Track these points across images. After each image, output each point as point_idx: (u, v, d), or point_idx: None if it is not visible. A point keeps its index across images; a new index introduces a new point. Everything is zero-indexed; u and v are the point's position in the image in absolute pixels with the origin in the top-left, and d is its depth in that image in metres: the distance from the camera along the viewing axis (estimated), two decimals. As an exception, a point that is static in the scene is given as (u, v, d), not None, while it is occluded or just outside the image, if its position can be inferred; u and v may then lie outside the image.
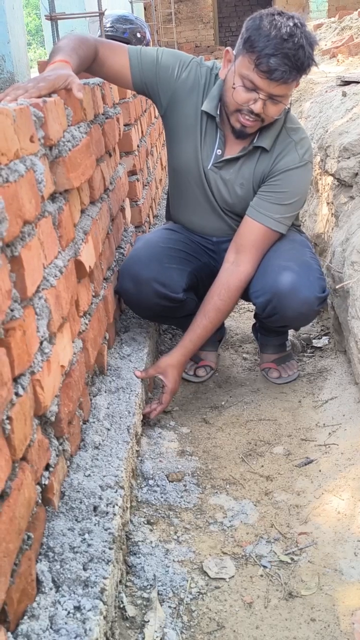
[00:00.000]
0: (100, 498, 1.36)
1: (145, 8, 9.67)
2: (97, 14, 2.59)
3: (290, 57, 1.77)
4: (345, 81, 3.48)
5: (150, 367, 2.03)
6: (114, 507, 1.34)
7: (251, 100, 1.85)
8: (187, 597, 1.37)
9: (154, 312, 2.17)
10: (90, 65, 1.89)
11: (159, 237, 2.20)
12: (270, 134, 2.00)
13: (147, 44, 3.76)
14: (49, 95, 1.47)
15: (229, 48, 1.94)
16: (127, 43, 3.52)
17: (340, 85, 3.53)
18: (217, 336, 2.48)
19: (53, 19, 2.41)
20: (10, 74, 3.10)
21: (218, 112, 2.00)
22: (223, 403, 2.22)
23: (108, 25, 3.55)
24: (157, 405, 2.00)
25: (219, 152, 2.05)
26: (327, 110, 3.15)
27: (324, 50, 6.28)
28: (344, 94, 3.09)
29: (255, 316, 2.36)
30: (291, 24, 1.78)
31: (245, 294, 2.12)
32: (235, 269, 2.05)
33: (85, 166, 1.63)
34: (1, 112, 1.06)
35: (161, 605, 1.33)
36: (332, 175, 2.53)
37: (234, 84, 1.87)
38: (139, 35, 3.68)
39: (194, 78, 2.03)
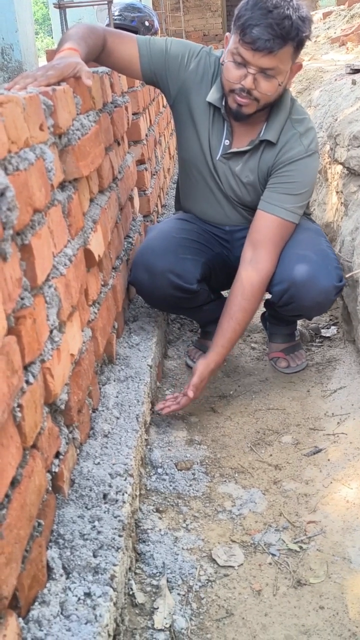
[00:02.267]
0: (109, 486, 1.37)
1: (153, -4, 9.61)
2: (106, 2, 2.57)
3: (273, 26, 1.74)
4: (355, 69, 3.45)
5: (194, 379, 1.95)
6: (123, 495, 1.35)
7: (242, 77, 1.83)
8: (196, 584, 1.38)
9: (167, 303, 2.16)
10: (98, 54, 1.88)
11: (172, 227, 2.19)
12: (276, 126, 1.98)
13: (155, 33, 3.73)
14: (58, 83, 1.47)
15: (228, 34, 1.91)
16: (135, 31, 3.51)
17: (349, 73, 3.50)
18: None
19: (61, 7, 2.39)
20: (19, 62, 3.09)
21: (223, 103, 1.98)
22: (231, 392, 2.22)
23: (116, 13, 3.53)
24: (172, 404, 1.94)
25: (226, 142, 2.04)
26: (336, 98, 3.13)
27: (333, 38, 6.22)
28: (354, 82, 3.07)
29: (266, 305, 2.35)
30: None
31: None
32: (254, 267, 2.00)
33: (94, 155, 1.62)
34: (11, 100, 1.05)
35: (170, 592, 1.34)
36: (341, 164, 2.51)
37: (224, 61, 1.86)
38: (147, 23, 3.66)
39: (203, 68, 2.01)
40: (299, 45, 1.83)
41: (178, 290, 2.05)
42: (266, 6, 1.74)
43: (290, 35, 1.77)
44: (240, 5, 1.82)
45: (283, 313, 2.23)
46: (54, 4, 2.51)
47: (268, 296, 2.18)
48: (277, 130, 1.99)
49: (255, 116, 1.95)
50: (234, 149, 2.03)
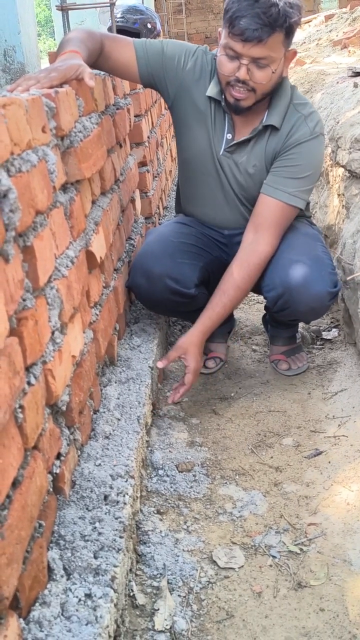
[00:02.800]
0: (110, 487, 1.37)
1: (155, -1, 9.63)
2: (108, 5, 2.58)
3: (260, 15, 1.74)
4: (357, 72, 3.45)
5: (170, 351, 2.01)
6: (124, 496, 1.35)
7: (235, 69, 1.84)
8: (197, 586, 1.38)
9: (165, 307, 2.17)
10: (96, 59, 1.88)
11: (171, 231, 2.19)
12: (278, 111, 1.98)
13: (158, 35, 3.74)
14: (61, 85, 1.47)
15: (220, 29, 1.91)
16: (138, 34, 3.52)
17: (351, 76, 3.50)
18: (227, 327, 2.48)
19: (64, 9, 2.40)
20: (21, 64, 3.09)
21: (223, 97, 1.98)
22: (232, 394, 2.22)
23: (118, 15, 3.54)
24: (180, 387, 1.99)
25: (229, 136, 2.04)
26: (338, 101, 3.13)
27: (335, 41, 6.22)
28: (356, 85, 3.07)
29: (266, 308, 2.36)
30: None
31: (257, 287, 2.11)
32: (254, 247, 2.02)
33: (96, 157, 1.63)
34: (14, 102, 1.06)
35: (171, 594, 1.34)
36: (343, 166, 2.51)
37: (216, 56, 1.88)
38: (149, 25, 3.67)
39: (200, 66, 2.02)
40: (289, 32, 1.83)
41: (176, 295, 2.06)
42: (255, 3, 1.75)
43: (278, 22, 1.77)
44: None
45: (280, 318, 2.23)
46: (56, 6, 2.52)
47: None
48: (280, 115, 1.99)
49: (255, 106, 1.95)
50: (237, 140, 2.03)
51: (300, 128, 1.99)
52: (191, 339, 2.01)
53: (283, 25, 1.79)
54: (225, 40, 1.83)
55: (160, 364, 1.92)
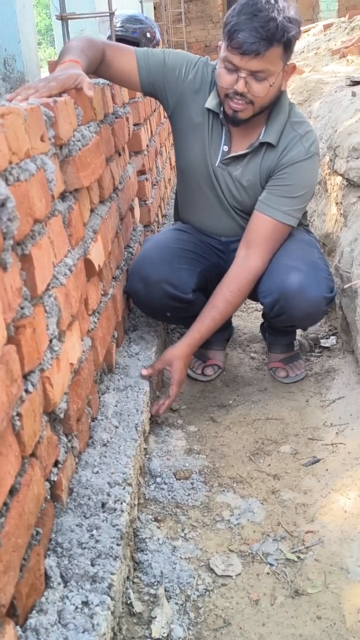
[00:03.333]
0: (108, 495, 1.37)
1: (155, 8, 9.68)
2: (108, 14, 2.59)
3: (258, 29, 1.76)
4: (355, 81, 3.47)
5: (155, 361, 2.02)
6: (121, 504, 1.35)
7: (234, 82, 1.85)
8: (194, 593, 1.38)
9: (163, 313, 2.17)
10: (98, 67, 1.90)
11: (168, 237, 2.21)
12: (275, 129, 2.00)
13: (157, 44, 3.76)
14: (60, 94, 1.48)
15: (220, 42, 1.93)
16: (137, 43, 3.53)
17: (349, 85, 3.52)
18: (225, 335, 2.49)
19: (64, 18, 2.41)
20: (21, 73, 3.10)
21: (221, 109, 2.00)
22: (230, 402, 2.23)
23: (118, 25, 3.56)
24: (164, 400, 1.99)
25: (225, 148, 2.06)
26: (336, 110, 3.15)
27: (333, 50, 6.26)
28: (354, 94, 3.09)
29: (264, 315, 2.37)
30: (264, 1, 1.79)
31: (253, 294, 2.12)
32: (245, 262, 2.04)
33: (95, 165, 1.64)
34: (12, 111, 1.07)
35: (168, 601, 1.34)
36: (341, 175, 2.53)
37: (216, 69, 1.90)
38: (148, 35, 3.69)
39: (201, 77, 2.04)
40: (288, 46, 1.85)
41: (174, 300, 2.06)
42: (251, 11, 1.78)
43: (276, 36, 1.79)
44: (228, 12, 1.86)
45: (277, 324, 2.24)
46: (56, 15, 2.54)
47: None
48: (277, 132, 2.00)
49: (253, 120, 1.97)
50: (232, 154, 2.05)
51: (295, 147, 2.01)
52: (178, 351, 2.02)
53: (281, 40, 1.80)
54: (224, 54, 1.85)
55: (144, 372, 1.92)
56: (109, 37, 2.86)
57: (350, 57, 5.37)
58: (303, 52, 7.14)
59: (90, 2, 4.80)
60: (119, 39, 3.23)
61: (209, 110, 2.03)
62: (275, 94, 1.93)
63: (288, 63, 1.91)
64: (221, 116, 2.01)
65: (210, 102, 2.01)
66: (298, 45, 7.31)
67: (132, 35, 3.58)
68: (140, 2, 6.04)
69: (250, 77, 1.84)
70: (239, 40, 1.77)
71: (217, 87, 1.95)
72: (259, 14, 1.77)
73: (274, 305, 2.05)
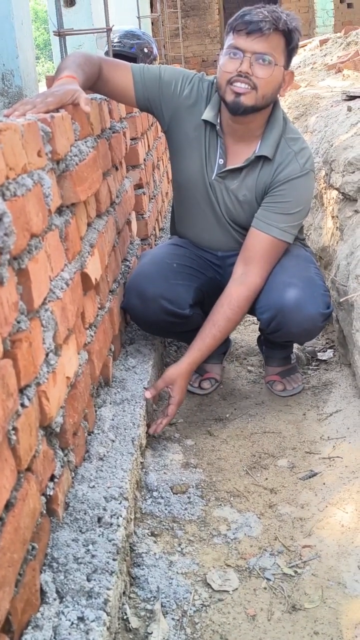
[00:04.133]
0: (104, 509, 1.37)
1: (152, 23, 9.75)
2: (105, 30, 2.62)
3: (264, 12, 1.86)
4: (351, 96, 3.51)
5: (158, 381, 2.02)
6: (118, 518, 1.35)
7: (238, 65, 1.89)
8: (191, 609, 1.37)
9: (160, 328, 2.18)
10: (94, 82, 1.91)
11: (165, 252, 2.21)
12: (270, 143, 2.02)
13: (154, 59, 3.79)
14: (57, 110, 1.50)
15: (219, 52, 2.00)
16: (134, 58, 3.56)
17: (345, 100, 3.56)
18: (222, 348, 2.48)
19: (61, 34, 2.44)
20: (19, 88, 3.13)
21: (218, 121, 2.02)
22: (227, 415, 2.23)
23: (115, 40, 3.59)
24: (162, 419, 1.98)
25: (220, 161, 2.07)
26: (332, 124, 3.17)
27: (329, 65, 6.31)
28: (349, 109, 3.12)
29: (261, 329, 2.37)
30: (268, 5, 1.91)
31: (251, 309, 2.13)
32: (244, 280, 2.04)
33: (92, 180, 1.64)
34: (9, 127, 1.08)
35: (164, 617, 1.33)
36: (336, 189, 2.54)
37: (221, 59, 1.95)
38: (146, 50, 3.72)
39: (196, 92, 2.06)
40: (289, 40, 1.91)
41: (170, 316, 2.07)
42: (256, 5, 1.90)
43: (280, 22, 1.87)
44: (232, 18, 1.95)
45: (273, 339, 2.25)
46: (53, 31, 2.56)
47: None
48: (273, 146, 2.02)
49: (249, 129, 1.99)
50: (228, 167, 2.06)
51: (290, 164, 2.02)
52: (179, 370, 2.01)
53: (284, 28, 1.88)
54: (229, 42, 1.90)
55: (148, 395, 1.91)
56: (107, 53, 2.88)
57: (346, 72, 5.41)
58: (299, 67, 7.19)
59: (88, 17, 4.85)
60: (117, 55, 3.26)
61: (205, 123, 2.04)
62: (275, 90, 1.95)
63: (288, 70, 1.95)
64: (218, 127, 2.02)
65: (207, 114, 2.02)
66: (295, 60, 7.38)
67: (129, 50, 3.62)
68: (138, 17, 6.10)
69: (254, 60, 1.87)
70: (246, 19, 1.86)
71: (218, 79, 1.97)
72: (265, 5, 1.88)
73: (271, 322, 2.06)
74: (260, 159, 2.03)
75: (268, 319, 2.06)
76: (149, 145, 3.13)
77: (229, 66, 1.90)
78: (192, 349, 2.04)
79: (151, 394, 1.93)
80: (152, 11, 10.13)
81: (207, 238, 2.22)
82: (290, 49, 1.93)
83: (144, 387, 1.94)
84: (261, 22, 1.84)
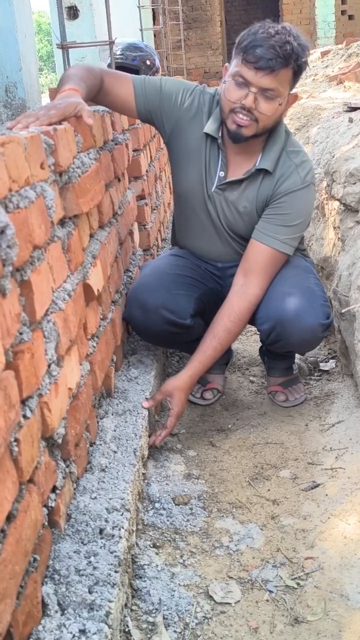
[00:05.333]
0: (106, 521, 1.37)
1: (155, 35, 9.82)
2: (108, 43, 2.63)
3: (275, 48, 1.81)
4: (352, 107, 3.51)
5: (156, 392, 2.01)
6: (120, 530, 1.35)
7: (243, 96, 1.87)
8: (193, 621, 1.36)
9: (161, 338, 2.18)
10: (96, 94, 1.92)
11: (166, 263, 2.22)
12: (271, 156, 2.02)
13: (157, 71, 3.81)
14: (60, 122, 1.50)
15: (227, 64, 1.97)
16: (137, 70, 3.58)
17: (346, 111, 3.56)
18: (225, 359, 2.49)
19: (64, 47, 2.45)
20: (22, 100, 3.14)
21: (220, 134, 2.02)
22: (230, 426, 2.22)
23: (118, 53, 3.61)
24: (162, 431, 1.97)
25: (221, 174, 2.07)
26: (333, 135, 3.18)
27: (331, 77, 6.34)
28: (351, 120, 3.13)
29: (261, 340, 2.37)
30: (280, 26, 1.86)
31: (251, 320, 2.13)
32: (244, 291, 2.04)
33: (94, 192, 1.65)
34: (12, 140, 1.08)
35: (166, 629, 1.33)
36: (338, 200, 2.55)
37: (225, 81, 1.93)
38: (148, 62, 3.74)
39: (197, 105, 2.06)
40: (298, 71, 1.90)
41: (172, 326, 2.07)
42: (268, 32, 1.83)
43: (291, 58, 1.84)
44: (242, 33, 1.90)
45: (273, 350, 2.25)
46: (57, 44, 2.57)
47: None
48: (273, 160, 2.02)
49: (250, 144, 1.99)
50: (229, 179, 2.07)
51: (291, 176, 2.03)
52: (179, 383, 2.00)
53: (295, 63, 1.86)
54: (236, 69, 1.87)
55: (145, 404, 1.90)
56: (109, 65, 2.90)
57: (348, 83, 5.44)
58: (301, 78, 7.22)
59: (91, 30, 4.87)
60: (119, 67, 3.27)
61: (206, 135, 2.05)
62: (278, 118, 1.95)
63: (292, 92, 1.95)
64: (219, 141, 2.03)
65: (209, 127, 2.03)
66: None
67: (131, 62, 3.63)
68: (141, 30, 6.14)
69: (260, 94, 1.86)
70: (257, 54, 1.81)
71: (221, 103, 1.97)
72: (276, 35, 1.82)
73: (271, 332, 2.06)
74: (261, 172, 2.04)
75: (268, 329, 2.06)
76: (151, 157, 3.14)
77: (234, 95, 1.89)
78: (192, 361, 2.04)
79: (149, 404, 1.92)
80: (154, 24, 10.20)
81: (207, 249, 2.22)
82: (298, 76, 1.92)
83: (146, 398, 1.94)
84: (272, 60, 1.80)
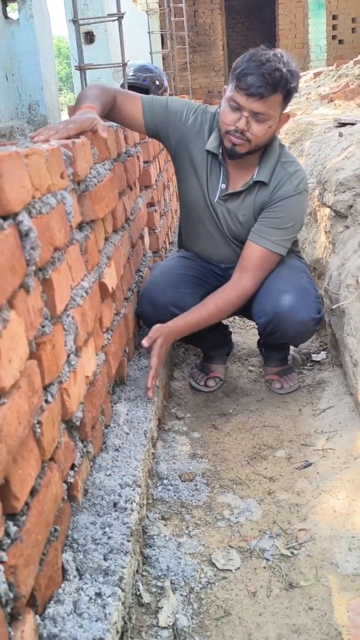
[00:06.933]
0: (119, 495, 1.37)
1: (163, 58, 9.79)
2: (121, 65, 2.62)
3: (265, 76, 1.79)
4: (342, 123, 3.50)
5: (149, 334, 1.96)
6: (132, 503, 1.35)
7: (236, 120, 1.87)
8: (197, 586, 1.37)
9: None
10: (110, 111, 1.92)
11: (173, 264, 2.22)
12: (267, 169, 2.02)
13: (165, 91, 3.80)
14: (78, 136, 1.50)
15: (225, 86, 1.96)
16: (147, 89, 3.57)
17: (337, 126, 3.55)
18: (226, 350, 2.48)
19: (82, 69, 2.44)
20: (44, 117, 3.14)
21: (220, 151, 2.02)
22: (231, 411, 2.22)
23: (130, 74, 3.60)
24: (150, 373, 1.88)
25: (223, 186, 2.07)
26: (325, 148, 3.17)
27: (322, 95, 6.31)
28: (340, 135, 3.11)
29: (259, 333, 2.36)
30: (271, 53, 1.83)
31: (249, 314, 2.13)
32: (238, 282, 2.05)
33: (109, 199, 1.65)
34: (35, 152, 1.08)
35: (174, 593, 1.33)
36: (329, 207, 2.54)
37: (220, 106, 1.92)
38: (157, 82, 3.73)
39: (200, 122, 2.06)
40: (287, 96, 1.87)
41: None
42: (260, 59, 1.81)
43: (279, 85, 1.82)
44: (237, 59, 1.89)
45: (270, 342, 2.24)
46: (75, 66, 2.57)
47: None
48: (269, 172, 2.02)
49: (247, 159, 1.98)
50: (230, 191, 2.06)
51: (285, 184, 2.02)
52: (164, 328, 1.96)
53: (283, 89, 1.84)
54: (231, 94, 1.86)
55: (145, 343, 1.90)
56: (122, 85, 2.89)
57: (338, 101, 5.41)
58: (295, 97, 7.19)
59: (106, 53, 4.86)
60: (131, 86, 3.27)
61: (208, 152, 2.04)
62: (270, 137, 1.94)
63: (284, 112, 1.93)
64: (220, 157, 2.03)
65: (211, 145, 2.02)
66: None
67: (142, 82, 3.63)
68: (150, 53, 6.12)
69: (251, 117, 1.85)
70: (248, 82, 1.80)
71: (219, 124, 1.97)
72: (267, 63, 1.80)
73: (267, 325, 2.06)
74: (258, 183, 2.03)
75: (264, 323, 2.06)
76: (160, 168, 3.13)
77: (228, 118, 1.89)
78: (179, 317, 2.02)
79: (147, 343, 1.91)
80: (163, 47, 10.18)
81: (211, 252, 2.22)
82: (289, 99, 1.90)
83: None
84: (262, 87, 1.79)
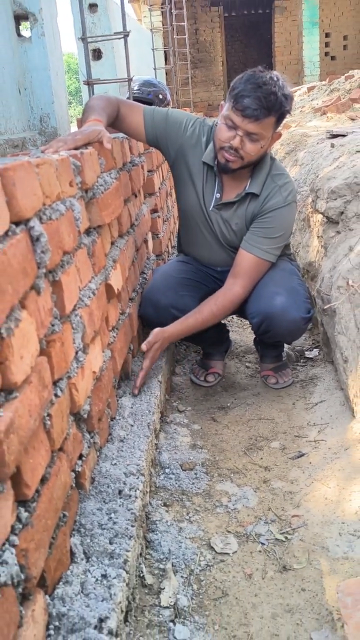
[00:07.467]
0: (124, 483, 1.37)
1: (166, 73, 9.77)
2: (127, 80, 2.62)
3: (260, 99, 1.78)
4: (334, 134, 3.49)
5: (148, 340, 1.96)
6: (136, 491, 1.35)
7: (231, 137, 1.86)
8: (197, 568, 1.37)
9: None
10: (114, 120, 1.92)
11: (173, 269, 2.23)
12: (258, 181, 2.01)
13: (168, 104, 3.79)
14: (85, 147, 1.50)
15: (223, 102, 1.95)
16: (151, 103, 3.56)
17: (329, 138, 3.54)
18: (224, 347, 2.49)
19: (90, 83, 2.44)
20: (54, 128, 3.14)
21: (215, 163, 2.01)
22: (229, 404, 2.22)
23: (135, 88, 3.60)
24: (140, 376, 1.87)
25: (217, 195, 2.07)
26: (318, 158, 3.16)
27: (316, 108, 6.29)
28: (332, 146, 3.11)
29: (254, 332, 2.37)
30: (268, 76, 1.82)
31: (244, 315, 2.13)
32: (231, 288, 2.05)
33: (115, 206, 1.65)
34: (46, 162, 1.08)
35: (175, 575, 1.33)
36: (321, 213, 2.53)
37: (217, 124, 1.91)
38: (160, 96, 3.72)
39: (198, 134, 2.05)
40: (280, 118, 1.87)
41: None
42: (257, 82, 1.80)
43: (274, 108, 1.81)
44: (235, 79, 1.88)
45: (264, 340, 2.24)
46: (83, 81, 2.56)
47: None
48: (260, 184, 2.02)
49: (240, 172, 1.98)
50: (224, 201, 2.06)
51: (275, 196, 2.02)
52: (162, 333, 1.97)
53: (277, 112, 1.83)
54: (227, 112, 1.86)
55: (144, 347, 1.91)
56: (128, 98, 2.89)
57: (330, 114, 5.40)
58: (290, 110, 7.17)
59: (113, 69, 4.86)
60: (136, 100, 3.26)
61: (204, 163, 2.04)
62: (262, 154, 1.95)
63: (276, 131, 1.93)
64: (215, 169, 2.02)
65: (207, 157, 2.02)
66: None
67: (147, 96, 3.62)
68: (154, 69, 6.12)
69: (245, 137, 1.85)
70: (244, 104, 1.79)
71: (214, 139, 1.96)
72: (263, 86, 1.79)
73: (261, 325, 2.07)
74: (249, 195, 2.03)
75: (258, 322, 2.06)
76: (162, 176, 3.13)
77: (224, 135, 1.88)
78: (177, 322, 2.02)
79: (146, 347, 1.91)
80: (166, 63, 10.17)
81: (208, 256, 2.22)
82: (281, 120, 1.89)
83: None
84: (257, 110, 1.78)
